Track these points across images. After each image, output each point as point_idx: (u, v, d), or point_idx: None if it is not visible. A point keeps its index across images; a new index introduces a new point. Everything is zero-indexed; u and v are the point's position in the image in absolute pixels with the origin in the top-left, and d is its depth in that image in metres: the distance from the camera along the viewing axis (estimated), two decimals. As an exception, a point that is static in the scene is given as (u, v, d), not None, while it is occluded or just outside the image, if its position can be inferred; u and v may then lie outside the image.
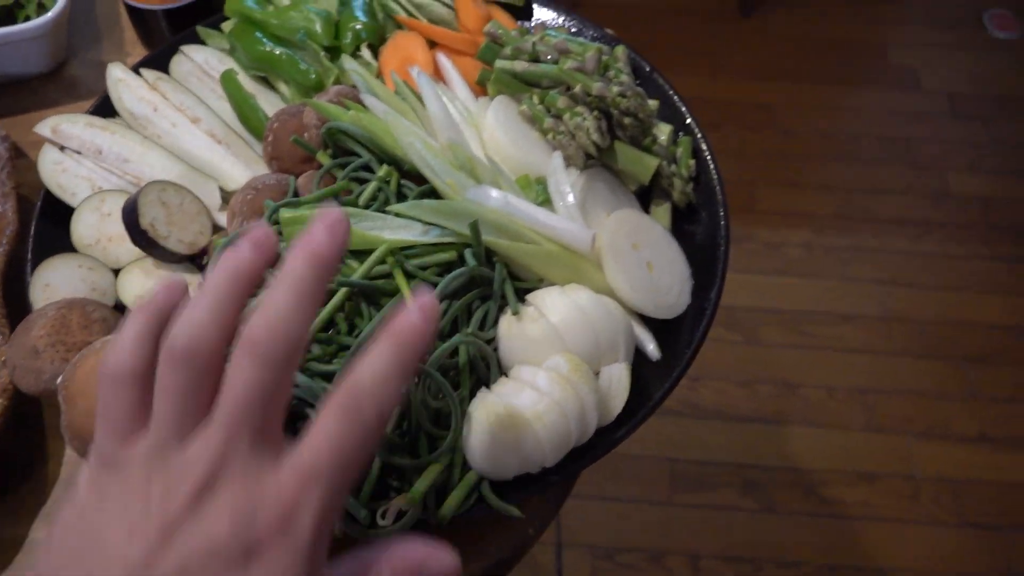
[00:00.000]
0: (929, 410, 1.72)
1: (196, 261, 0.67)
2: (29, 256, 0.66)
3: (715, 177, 0.71)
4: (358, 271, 0.57)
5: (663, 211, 0.70)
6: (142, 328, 0.37)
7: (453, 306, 0.57)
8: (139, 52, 0.89)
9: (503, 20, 0.81)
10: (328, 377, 0.55)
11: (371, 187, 0.63)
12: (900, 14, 2.57)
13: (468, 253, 0.58)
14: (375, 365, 0.35)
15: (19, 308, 0.66)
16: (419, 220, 0.60)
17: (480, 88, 0.76)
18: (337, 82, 0.74)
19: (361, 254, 0.59)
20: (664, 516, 1.58)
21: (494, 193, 0.61)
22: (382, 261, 0.58)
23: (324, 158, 0.67)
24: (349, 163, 0.67)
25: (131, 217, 0.63)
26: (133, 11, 0.83)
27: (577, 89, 0.68)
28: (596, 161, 0.68)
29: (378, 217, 0.60)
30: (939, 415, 1.71)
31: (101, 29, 0.91)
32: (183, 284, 0.39)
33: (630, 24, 2.56)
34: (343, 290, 0.56)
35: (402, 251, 0.59)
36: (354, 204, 0.62)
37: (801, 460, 1.67)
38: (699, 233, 0.69)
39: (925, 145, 2.20)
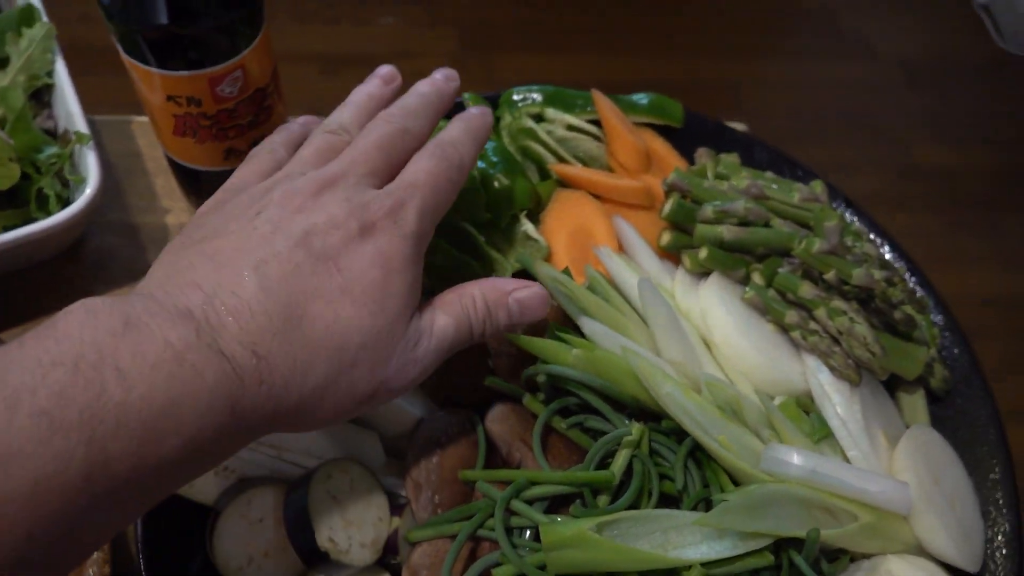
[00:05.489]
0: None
1: (383, 562, 0.50)
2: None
3: (964, 345, 0.60)
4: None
5: (918, 403, 0.58)
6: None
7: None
8: (180, 206, 0.67)
9: (659, 149, 0.66)
10: None
11: (622, 458, 0.48)
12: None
13: (800, 560, 0.45)
14: (451, 130, 0.46)
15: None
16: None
17: (662, 251, 0.61)
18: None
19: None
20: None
21: (797, 459, 0.47)
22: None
23: (535, 404, 0.51)
24: (566, 408, 0.51)
25: (305, 539, 0.46)
26: (183, 171, 0.61)
27: (831, 276, 0.54)
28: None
29: (650, 518, 0.45)
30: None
31: (121, 179, 0.68)
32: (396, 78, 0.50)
33: (586, 5, 2.38)
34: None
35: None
36: (607, 484, 0.47)
37: None
38: (958, 427, 0.58)
39: (886, 118, 2.16)
